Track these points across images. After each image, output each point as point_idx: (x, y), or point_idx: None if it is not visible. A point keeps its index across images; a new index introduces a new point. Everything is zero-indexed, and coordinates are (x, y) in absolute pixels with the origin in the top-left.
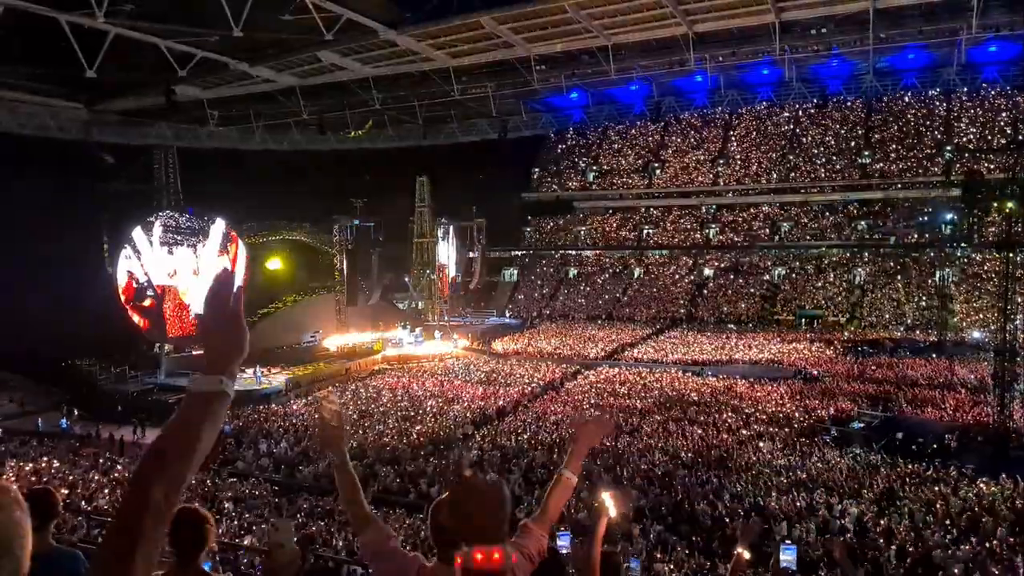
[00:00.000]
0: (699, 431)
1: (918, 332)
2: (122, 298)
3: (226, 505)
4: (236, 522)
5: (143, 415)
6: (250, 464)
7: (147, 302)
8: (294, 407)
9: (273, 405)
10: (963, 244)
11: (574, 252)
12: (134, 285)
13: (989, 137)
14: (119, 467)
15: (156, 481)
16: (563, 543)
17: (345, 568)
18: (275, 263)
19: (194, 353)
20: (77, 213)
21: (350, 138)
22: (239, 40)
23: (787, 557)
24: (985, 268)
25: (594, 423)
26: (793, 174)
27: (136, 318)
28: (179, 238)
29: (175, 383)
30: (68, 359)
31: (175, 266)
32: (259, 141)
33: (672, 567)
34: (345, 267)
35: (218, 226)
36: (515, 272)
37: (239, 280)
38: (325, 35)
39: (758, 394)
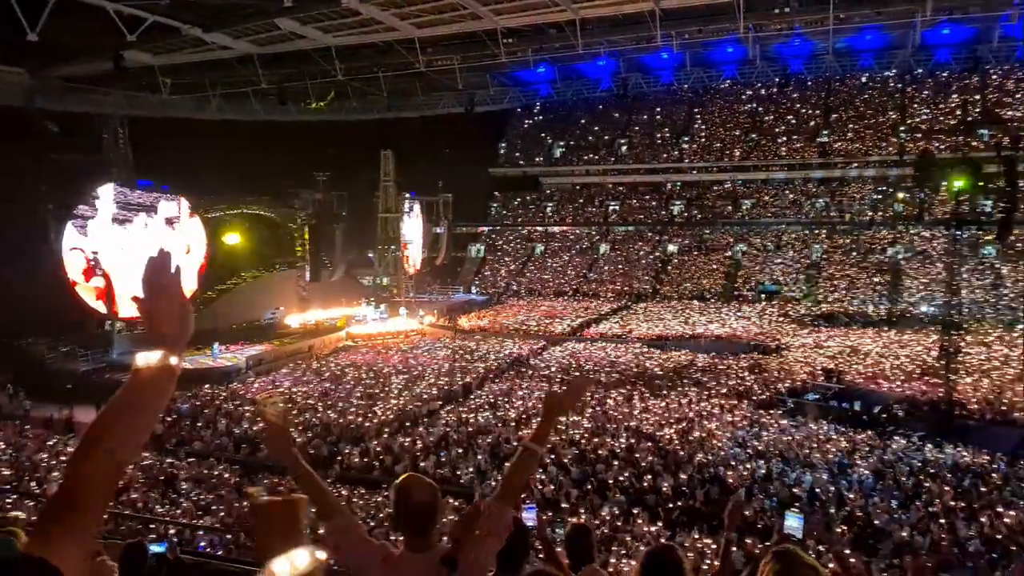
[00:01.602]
0: (662, 404)
1: (870, 306)
2: (69, 275)
3: (184, 486)
4: (194, 503)
5: (95, 397)
6: (208, 444)
7: (95, 280)
8: (255, 385)
9: (233, 383)
10: (914, 222)
11: (541, 228)
12: (81, 262)
13: (941, 118)
14: (69, 447)
15: (97, 455)
16: (529, 515)
17: None
18: (233, 238)
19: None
20: (22, 185)
21: (311, 109)
22: (192, 4)
23: (792, 524)
24: (934, 245)
25: (566, 392)
26: (755, 152)
27: (85, 295)
28: (130, 213)
29: (128, 361)
30: (13, 337)
31: (126, 242)
32: (215, 110)
33: (634, 538)
34: (307, 242)
35: (171, 200)
36: (482, 248)
37: (199, 256)
38: (284, 1)
39: (719, 367)
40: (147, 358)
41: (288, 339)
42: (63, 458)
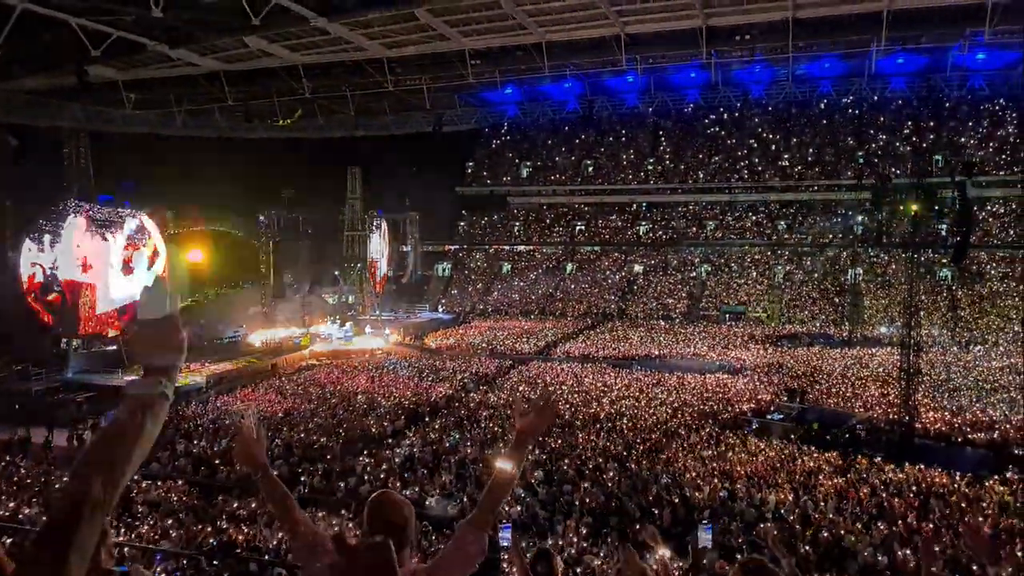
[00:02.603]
0: (628, 425)
1: (832, 327)
2: (25, 289)
3: (140, 509)
4: (151, 527)
5: (49, 418)
6: (165, 466)
7: (52, 296)
8: (218, 404)
9: (193, 403)
10: (873, 244)
11: (508, 247)
12: (39, 277)
13: (896, 144)
14: (23, 470)
15: (96, 477)
16: (504, 535)
17: (270, 570)
18: (196, 254)
19: (106, 348)
20: None
21: (278, 126)
22: (158, 20)
23: (706, 536)
24: (892, 268)
25: (536, 416)
26: (718, 174)
27: (41, 312)
28: (92, 229)
29: (84, 380)
30: None
31: (88, 259)
32: (180, 126)
33: (601, 559)
34: (272, 259)
35: (134, 216)
36: (449, 267)
37: (158, 272)
38: (252, 20)
39: (684, 388)
40: (140, 385)
41: (251, 358)
42: (15, 479)
